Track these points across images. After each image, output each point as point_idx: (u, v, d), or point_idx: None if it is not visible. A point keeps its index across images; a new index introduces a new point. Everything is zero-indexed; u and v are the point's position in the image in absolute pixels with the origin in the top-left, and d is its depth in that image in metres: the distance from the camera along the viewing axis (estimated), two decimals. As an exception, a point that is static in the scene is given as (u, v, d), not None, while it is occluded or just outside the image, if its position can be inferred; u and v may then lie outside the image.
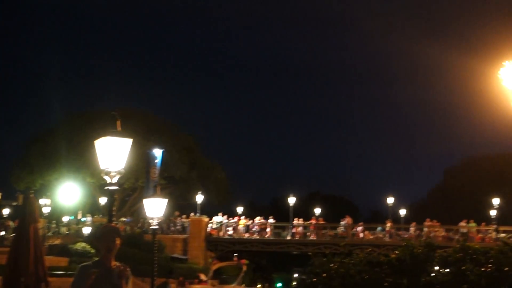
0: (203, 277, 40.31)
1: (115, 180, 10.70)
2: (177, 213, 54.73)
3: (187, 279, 41.15)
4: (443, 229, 49.76)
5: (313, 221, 52.86)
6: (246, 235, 52.08)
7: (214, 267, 43.80)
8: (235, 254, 48.74)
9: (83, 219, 53.79)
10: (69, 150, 53.55)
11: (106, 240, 6.91)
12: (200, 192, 56.15)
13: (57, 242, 47.26)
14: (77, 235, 48.78)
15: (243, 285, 43.52)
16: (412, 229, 50.50)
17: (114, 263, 6.91)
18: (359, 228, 51.69)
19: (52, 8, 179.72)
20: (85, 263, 6.94)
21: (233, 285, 41.26)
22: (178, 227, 52.88)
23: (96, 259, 7.20)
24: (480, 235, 48.09)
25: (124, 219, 55.51)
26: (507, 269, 14.94)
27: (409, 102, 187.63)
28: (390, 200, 58.81)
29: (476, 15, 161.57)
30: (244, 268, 43.88)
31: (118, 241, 6.92)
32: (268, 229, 52.20)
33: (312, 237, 51.32)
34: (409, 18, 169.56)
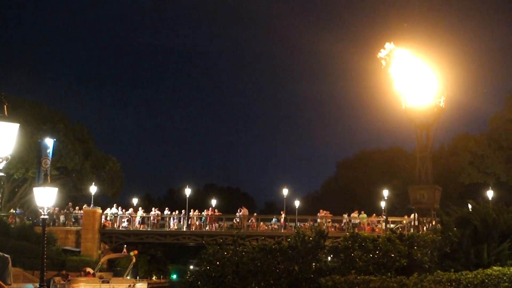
0: (89, 270, 39.64)
1: (1, 166, 10.28)
2: (70, 204, 53.42)
3: (76, 272, 40.40)
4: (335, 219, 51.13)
5: (209, 212, 52.98)
6: (142, 227, 51.54)
7: (103, 259, 43.18)
8: (125, 246, 48.18)
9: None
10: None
11: None
12: (93, 184, 54.95)
13: None
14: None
15: (133, 277, 43.08)
16: (307, 220, 51.55)
17: None
18: (254, 219, 52.28)
19: None
20: None
21: (122, 277, 40.79)
22: (71, 219, 51.63)
23: None
24: (369, 226, 49.71)
25: (13, 210, 53.55)
26: (393, 255, 15.59)
27: (305, 96, 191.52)
28: (285, 191, 59.67)
29: (363, 10, 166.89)
30: (133, 259, 43.50)
31: None
32: (172, 222, 52.13)
33: (208, 228, 51.45)
34: (307, 15, 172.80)
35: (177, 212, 53.59)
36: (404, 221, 49.12)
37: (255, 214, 56.70)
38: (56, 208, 50.00)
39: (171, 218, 52.74)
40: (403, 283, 14.20)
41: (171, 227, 52.09)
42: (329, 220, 50.78)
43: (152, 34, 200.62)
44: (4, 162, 10.26)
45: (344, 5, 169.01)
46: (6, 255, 6.93)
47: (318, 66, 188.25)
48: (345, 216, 51.60)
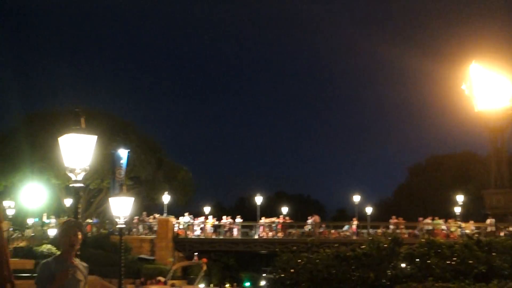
0: (160, 278, 40.49)
1: (80, 177, 10.60)
2: (144, 213, 54.39)
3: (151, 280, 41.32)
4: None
5: (280, 220, 52.92)
6: (214, 235, 51.93)
7: (174, 267, 43.82)
8: (195, 254, 48.68)
9: (47, 221, 53.00)
10: (32, 150, 52.82)
11: (67, 234, 6.81)
12: (166, 193, 55.85)
13: (22, 244, 46.65)
14: (42, 237, 48.12)
15: (207, 285, 43.52)
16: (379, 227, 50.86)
17: (75, 259, 6.82)
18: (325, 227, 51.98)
19: (5, 7, 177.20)
20: (46, 260, 6.84)
21: (193, 286, 41.41)
22: (145, 228, 52.56)
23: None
24: (444, 232, 48.65)
25: (90, 220, 54.95)
26: (471, 262, 15.21)
27: (376, 102, 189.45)
28: (357, 198, 59.11)
29: (441, 20, 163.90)
30: (204, 267, 44.05)
31: (80, 236, 6.81)
32: (235, 229, 52.16)
33: (279, 235, 51.40)
34: (378, 22, 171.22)
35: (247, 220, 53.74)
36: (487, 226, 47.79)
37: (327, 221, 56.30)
38: (136, 218, 51.06)
39: (242, 226, 52.92)
40: (483, 290, 13.84)
41: (242, 235, 52.26)
42: (402, 226, 49.95)
43: (220, 42, 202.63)
44: (83, 173, 10.60)
45: (414, 9, 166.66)
46: (85, 264, 7.04)
47: (388, 71, 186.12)
48: (423, 220, 50.33)
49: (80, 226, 6.86)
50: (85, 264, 6.94)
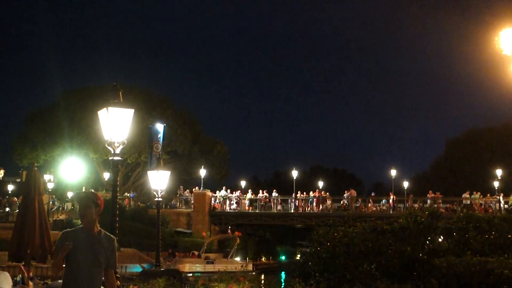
0: (195, 252, 41.04)
1: (118, 151, 10.73)
2: (181, 187, 54.89)
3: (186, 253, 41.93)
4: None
5: (316, 194, 52.88)
6: (250, 208, 52.19)
7: (208, 241, 44.22)
8: (229, 227, 49.03)
9: (86, 194, 53.84)
10: (71, 125, 53.57)
11: (79, 207, 6.91)
12: (202, 167, 56.22)
13: (61, 217, 47.51)
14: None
15: (243, 258, 43.78)
16: (415, 201, 50.51)
17: (98, 229, 6.86)
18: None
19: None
20: (67, 230, 6.93)
21: (226, 259, 41.80)
22: (182, 202, 53.12)
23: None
24: (482, 207, 48.15)
25: (128, 194, 55.69)
26: (510, 236, 15.01)
27: (410, 73, 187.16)
28: (393, 172, 58.71)
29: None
30: (237, 240, 44.40)
31: (94, 209, 6.81)
32: (271, 203, 52.39)
33: (316, 209, 51.42)
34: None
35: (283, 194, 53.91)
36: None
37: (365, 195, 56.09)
38: (179, 189, 51.43)
39: (278, 200, 53.09)
40: (522, 264, 13.66)
41: (278, 209, 52.44)
42: (440, 201, 49.54)
43: (257, 18, 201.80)
44: (121, 146, 10.72)
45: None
46: (112, 236, 7.05)
47: (426, 42, 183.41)
48: (464, 195, 49.82)
49: (92, 198, 6.87)
50: (112, 237, 6.97)
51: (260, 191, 54.22)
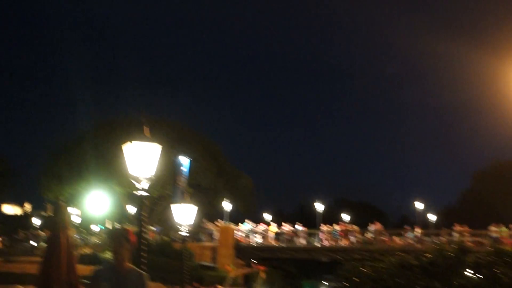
0: (219, 286, 40.79)
1: (144, 185, 10.71)
2: (205, 220, 54.78)
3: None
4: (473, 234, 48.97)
5: (341, 227, 52.45)
6: (275, 242, 51.85)
7: (232, 275, 43.94)
8: (254, 261, 48.68)
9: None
10: (96, 159, 53.86)
11: (112, 243, 6.95)
12: (227, 200, 56.10)
13: (87, 251, 47.61)
14: (106, 244, 49.03)
15: None
16: (442, 234, 49.79)
17: (129, 266, 6.89)
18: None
19: (75, 18, 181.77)
20: (98, 267, 6.98)
21: None
22: (206, 235, 52.96)
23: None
24: (511, 240, 47.26)
25: (153, 228, 55.68)
26: (541, 271, 14.72)
27: (436, 104, 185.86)
28: (419, 205, 58.10)
29: (502, 17, 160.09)
30: (262, 274, 44.04)
31: (126, 245, 6.85)
32: (297, 237, 52.06)
33: (343, 243, 50.89)
34: (437, 20, 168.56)
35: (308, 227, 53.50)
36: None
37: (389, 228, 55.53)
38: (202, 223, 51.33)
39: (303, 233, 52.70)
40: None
41: (303, 243, 52.03)
42: (467, 234, 48.75)
43: (281, 46, 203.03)
44: (148, 182, 10.70)
45: (479, 10, 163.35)
46: (141, 272, 7.07)
47: (452, 73, 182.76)
48: (491, 228, 48.93)
49: (126, 235, 6.92)
50: (142, 273, 6.99)
51: (283, 223, 53.89)
